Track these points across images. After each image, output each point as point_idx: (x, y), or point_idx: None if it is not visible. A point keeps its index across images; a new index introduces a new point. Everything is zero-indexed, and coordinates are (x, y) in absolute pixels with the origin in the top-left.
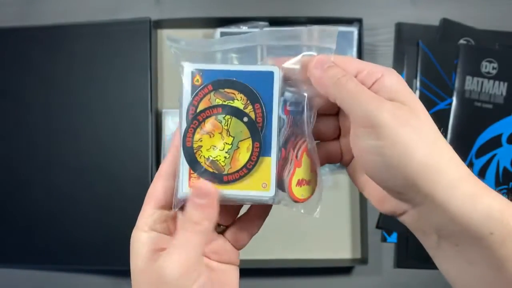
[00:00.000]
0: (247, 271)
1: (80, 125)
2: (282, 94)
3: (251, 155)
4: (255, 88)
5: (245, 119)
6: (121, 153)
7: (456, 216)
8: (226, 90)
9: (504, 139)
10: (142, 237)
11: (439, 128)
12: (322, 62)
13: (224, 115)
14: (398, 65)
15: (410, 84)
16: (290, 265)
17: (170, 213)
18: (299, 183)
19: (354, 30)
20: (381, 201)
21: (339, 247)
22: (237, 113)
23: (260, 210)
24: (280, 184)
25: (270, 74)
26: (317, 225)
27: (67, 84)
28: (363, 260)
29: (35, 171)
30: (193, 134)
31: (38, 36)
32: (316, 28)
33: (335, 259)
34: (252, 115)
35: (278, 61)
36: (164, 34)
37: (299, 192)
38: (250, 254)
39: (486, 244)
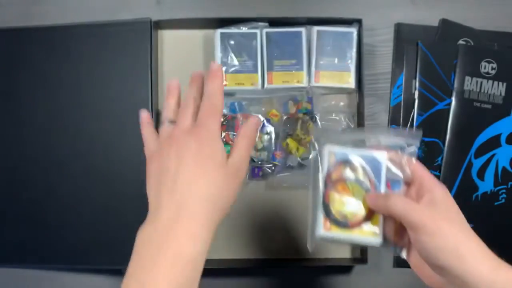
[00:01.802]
0: (247, 270)
1: (80, 125)
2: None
3: (368, 212)
4: (370, 167)
5: (364, 186)
6: (122, 153)
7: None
8: (351, 167)
9: (503, 139)
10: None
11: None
12: (374, 196)
13: (351, 182)
14: (397, 66)
15: (410, 84)
16: (289, 264)
17: None
18: (396, 233)
19: (353, 30)
20: (428, 277)
21: (339, 246)
22: (360, 183)
23: None
24: (384, 236)
25: (381, 157)
26: None
27: (67, 85)
28: (363, 260)
29: (35, 171)
30: (329, 193)
31: (38, 36)
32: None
33: (334, 258)
34: (369, 184)
35: (380, 148)
36: (165, 35)
37: (397, 240)
38: (249, 254)
39: None
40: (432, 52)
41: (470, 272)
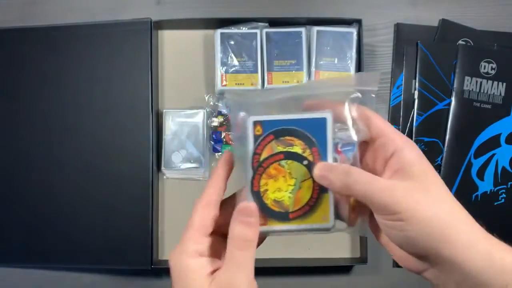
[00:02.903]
0: None
1: (80, 125)
2: (333, 138)
3: (312, 193)
4: (311, 133)
5: (305, 162)
6: (122, 153)
7: (475, 273)
8: (285, 138)
9: (502, 139)
10: (193, 264)
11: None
12: (326, 169)
13: (286, 161)
14: (397, 66)
15: (409, 84)
16: (289, 264)
17: (218, 238)
18: (353, 211)
19: (353, 30)
20: (404, 260)
21: (338, 246)
22: (297, 158)
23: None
24: (338, 215)
25: (323, 120)
26: None
27: (68, 85)
28: (363, 259)
29: (35, 171)
30: (259, 179)
31: (38, 36)
32: (362, 73)
33: (334, 258)
34: (311, 158)
35: (324, 103)
36: (165, 35)
37: (354, 218)
38: None
39: None
40: (432, 52)
41: (461, 256)
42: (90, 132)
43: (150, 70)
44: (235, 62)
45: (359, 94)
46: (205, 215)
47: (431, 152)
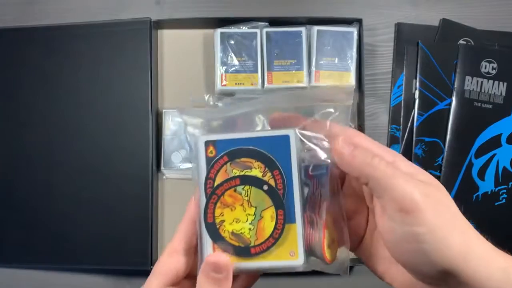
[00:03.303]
0: None
1: (80, 125)
2: (302, 160)
3: (276, 223)
4: (271, 154)
5: (265, 187)
6: (122, 153)
7: None
8: (242, 159)
9: (503, 139)
10: None
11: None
12: (349, 141)
13: (243, 186)
14: (397, 65)
15: (410, 84)
16: None
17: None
18: (329, 245)
19: (354, 30)
20: (408, 286)
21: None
22: (256, 183)
23: (250, 281)
24: (310, 250)
25: (286, 138)
26: None
27: (67, 85)
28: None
29: (35, 171)
30: (214, 209)
31: (38, 36)
32: (336, 86)
33: None
34: (272, 183)
35: (291, 118)
36: (165, 34)
37: (331, 254)
38: None
39: None
40: (432, 52)
41: (482, 274)
42: (90, 132)
43: (149, 70)
44: (235, 61)
45: (331, 109)
46: (170, 263)
47: (431, 152)
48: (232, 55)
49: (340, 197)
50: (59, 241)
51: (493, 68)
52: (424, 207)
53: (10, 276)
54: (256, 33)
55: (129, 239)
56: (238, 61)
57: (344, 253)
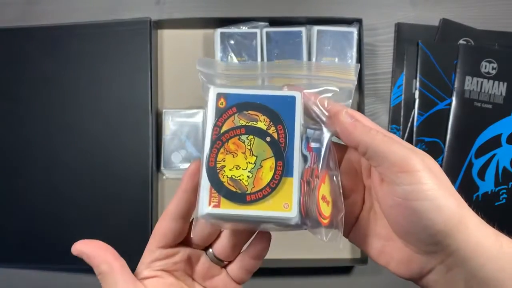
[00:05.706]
0: None
1: (80, 125)
2: (304, 131)
3: (274, 174)
4: (277, 111)
5: (268, 139)
6: (121, 153)
7: (488, 265)
8: (249, 112)
9: (503, 139)
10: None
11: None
12: (353, 113)
13: (247, 135)
14: (398, 65)
15: (410, 84)
16: (289, 264)
17: (170, 251)
18: (323, 198)
19: (354, 30)
20: (405, 262)
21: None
22: (260, 133)
23: (260, 249)
24: (305, 211)
25: (292, 98)
26: None
27: (67, 84)
28: (363, 260)
29: (35, 171)
30: (217, 154)
31: (38, 36)
32: (338, 63)
33: (335, 259)
34: (275, 136)
35: (298, 89)
36: (164, 34)
37: (325, 208)
38: None
39: None
40: (432, 52)
41: (471, 243)
42: (90, 132)
43: (149, 70)
44: (235, 61)
45: (335, 88)
46: (159, 228)
47: (431, 152)
48: (232, 55)
49: (338, 172)
50: (59, 241)
51: (493, 68)
52: (422, 168)
53: (10, 276)
54: (256, 33)
55: (129, 239)
56: (238, 61)
57: (339, 221)
